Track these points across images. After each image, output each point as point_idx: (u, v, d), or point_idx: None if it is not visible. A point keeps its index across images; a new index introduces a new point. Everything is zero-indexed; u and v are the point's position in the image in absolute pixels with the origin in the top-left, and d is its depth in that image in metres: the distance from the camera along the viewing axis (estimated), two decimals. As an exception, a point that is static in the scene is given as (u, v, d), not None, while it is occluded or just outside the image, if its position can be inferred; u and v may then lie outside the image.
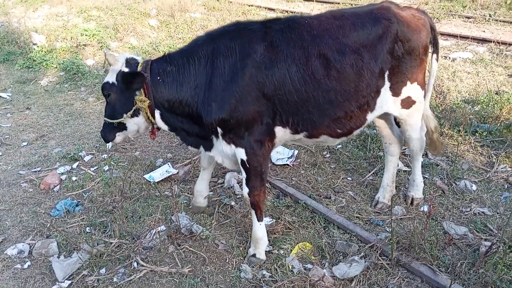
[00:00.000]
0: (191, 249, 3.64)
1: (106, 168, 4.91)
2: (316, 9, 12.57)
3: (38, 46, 9.75)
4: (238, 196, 4.38)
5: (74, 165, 5.07)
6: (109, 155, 5.23)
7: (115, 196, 4.34)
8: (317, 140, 3.52)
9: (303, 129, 3.34)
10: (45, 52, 9.44)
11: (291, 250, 3.59)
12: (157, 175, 4.66)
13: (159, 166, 4.89)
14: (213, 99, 3.16)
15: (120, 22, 11.64)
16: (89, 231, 3.88)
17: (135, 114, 3.39)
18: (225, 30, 3.33)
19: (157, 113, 3.39)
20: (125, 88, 3.27)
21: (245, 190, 3.38)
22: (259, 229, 3.48)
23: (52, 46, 9.71)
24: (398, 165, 4.36)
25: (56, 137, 5.91)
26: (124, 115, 3.36)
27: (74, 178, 4.77)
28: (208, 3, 14.88)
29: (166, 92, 3.31)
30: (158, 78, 3.32)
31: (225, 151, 3.35)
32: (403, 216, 3.91)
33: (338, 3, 12.97)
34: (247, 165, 3.28)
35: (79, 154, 5.29)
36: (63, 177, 4.79)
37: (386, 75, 3.34)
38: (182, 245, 3.68)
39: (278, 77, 3.11)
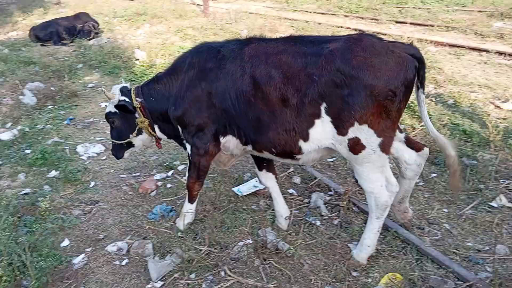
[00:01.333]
0: (276, 265, 3.67)
1: (198, 178, 5.14)
2: (408, 31, 12.23)
3: (140, 62, 10.58)
4: (324, 217, 4.34)
5: (169, 173, 5.38)
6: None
7: (205, 205, 4.52)
8: (265, 156, 3.73)
9: (247, 141, 3.61)
10: (146, 67, 10.21)
11: (380, 280, 3.46)
12: (245, 189, 4.78)
13: (247, 181, 5.02)
14: (175, 103, 3.73)
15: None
16: (181, 236, 4.08)
17: (139, 132, 4.10)
18: (195, 48, 3.85)
19: (156, 127, 4.06)
20: (124, 114, 3.95)
21: (187, 175, 4.07)
22: (187, 206, 4.10)
23: (152, 62, 10.48)
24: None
25: (153, 146, 6.30)
26: (130, 135, 4.09)
27: (169, 185, 5.06)
28: (296, 24, 15.16)
29: (159, 107, 3.90)
30: (151, 98, 3.93)
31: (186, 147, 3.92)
32: (507, 257, 3.60)
33: (433, 26, 12.51)
34: (190, 158, 3.88)
35: (174, 163, 5.60)
36: (159, 183, 5.10)
37: (323, 108, 3.15)
38: (268, 260, 3.73)
39: (221, 91, 3.47)
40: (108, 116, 4.08)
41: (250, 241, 3.93)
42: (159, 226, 4.26)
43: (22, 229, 4.09)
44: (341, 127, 3.15)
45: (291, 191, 4.84)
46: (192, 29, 14.56)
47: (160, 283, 3.54)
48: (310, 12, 17.23)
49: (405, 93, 3.09)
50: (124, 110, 3.92)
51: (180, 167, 5.52)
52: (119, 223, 4.39)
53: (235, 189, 4.81)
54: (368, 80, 2.98)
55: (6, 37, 15.01)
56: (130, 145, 4.24)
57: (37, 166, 5.54)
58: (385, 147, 3.19)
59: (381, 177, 3.34)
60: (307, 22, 15.20)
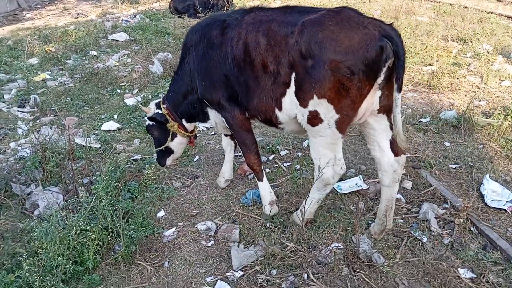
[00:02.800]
0: (366, 279, 3.28)
1: (298, 166, 4.89)
2: None
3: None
4: (433, 234, 3.76)
5: (270, 157, 5.22)
6: (304, 154, 5.21)
7: (300, 197, 4.27)
8: (255, 123, 4.01)
9: (244, 108, 3.73)
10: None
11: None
12: (345, 186, 4.40)
13: (350, 177, 4.61)
14: (197, 75, 3.92)
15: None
16: (269, 226, 3.90)
17: (174, 136, 4.40)
18: (204, 21, 4.00)
19: (184, 122, 4.36)
20: (160, 125, 4.32)
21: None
22: (261, 187, 4.12)
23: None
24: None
25: (261, 126, 6.21)
26: (167, 140, 4.38)
27: (267, 170, 4.91)
28: (438, 6, 13.63)
29: (180, 94, 4.20)
30: (171, 94, 4.29)
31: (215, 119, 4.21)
32: None
33: None
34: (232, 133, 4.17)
35: (277, 147, 5.43)
36: (259, 167, 4.97)
37: (292, 78, 3.21)
38: (358, 271, 3.35)
39: (223, 56, 3.61)
40: (148, 128, 4.49)
41: (341, 245, 3.58)
42: (249, 212, 4.13)
43: (125, 195, 4.32)
44: (302, 99, 3.20)
45: (398, 196, 4.31)
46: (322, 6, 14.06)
47: (240, 273, 3.42)
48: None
49: (366, 73, 2.96)
50: (155, 121, 4.32)
51: (282, 152, 5.32)
52: (213, 202, 4.38)
53: (335, 184, 4.44)
54: (327, 54, 2.96)
55: (149, 7, 16.29)
56: (170, 151, 4.50)
57: (151, 134, 5.84)
58: (341, 125, 3.18)
59: (330, 154, 3.35)
60: (451, 5, 13.59)
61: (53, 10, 17.52)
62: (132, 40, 11.34)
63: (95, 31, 11.93)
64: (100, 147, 5.45)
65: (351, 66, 2.93)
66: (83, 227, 3.35)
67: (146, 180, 4.60)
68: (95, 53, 10.04)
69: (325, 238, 3.70)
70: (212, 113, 4.15)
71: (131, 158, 5.18)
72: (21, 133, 6.01)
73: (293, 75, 3.18)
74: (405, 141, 3.27)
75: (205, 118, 4.29)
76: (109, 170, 4.12)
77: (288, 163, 5.06)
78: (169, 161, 4.57)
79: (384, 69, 2.99)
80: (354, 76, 2.95)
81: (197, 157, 5.34)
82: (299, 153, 5.24)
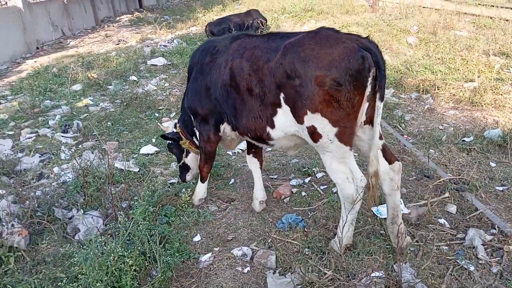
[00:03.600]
0: (410, 311, 3.12)
1: (335, 190, 4.78)
2: None
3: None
4: (480, 262, 3.55)
5: (306, 180, 5.15)
6: (341, 176, 5.10)
7: (338, 222, 4.15)
8: (248, 140, 4.15)
9: (233, 127, 4.05)
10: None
11: None
12: (385, 211, 4.23)
13: (390, 201, 4.45)
14: (187, 94, 4.42)
15: (377, 39, 11.48)
16: (307, 253, 3.81)
17: (188, 153, 4.79)
18: (202, 45, 4.36)
19: (195, 139, 4.73)
20: (177, 144, 4.82)
21: None
22: (199, 186, 4.73)
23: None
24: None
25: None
26: (183, 157, 4.79)
27: (303, 193, 4.83)
28: (477, 20, 13.25)
29: (187, 113, 4.59)
30: (182, 113, 4.82)
31: None
32: None
33: None
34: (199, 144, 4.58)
35: (313, 169, 5.35)
36: (294, 190, 4.90)
37: (281, 98, 3.38)
38: (400, 302, 3.19)
39: (213, 82, 3.95)
40: (168, 146, 5.03)
41: (382, 274, 3.43)
42: (286, 237, 4.06)
43: (162, 219, 4.36)
44: (297, 116, 3.34)
45: (442, 221, 4.12)
46: (357, 25, 13.99)
47: (276, 302, 3.34)
48: (497, 7, 14.87)
49: (353, 83, 3.09)
50: (168, 139, 4.82)
51: (319, 175, 5.24)
52: (249, 227, 4.34)
53: (374, 208, 4.31)
54: (312, 70, 3.12)
55: (186, 31, 16.78)
56: (187, 167, 4.88)
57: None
58: (343, 138, 3.26)
59: (344, 169, 3.39)
60: (491, 18, 13.19)
61: (95, 37, 18.39)
62: (170, 64, 11.68)
63: (134, 57, 12.39)
64: (138, 171, 5.57)
65: (337, 78, 3.08)
66: (121, 253, 3.38)
67: (183, 204, 4.63)
68: (134, 78, 10.39)
69: (365, 266, 3.56)
70: (196, 133, 4.61)
71: (168, 181, 5.24)
72: (64, 158, 6.24)
73: (282, 95, 3.36)
74: (374, 159, 3.32)
75: None
76: (146, 194, 4.18)
77: (325, 186, 4.96)
78: (188, 176, 4.94)
79: (370, 80, 3.15)
80: (341, 87, 3.09)
81: (232, 180, 5.34)
82: (336, 176, 5.13)
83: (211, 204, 4.82)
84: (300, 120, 3.33)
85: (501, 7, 14.59)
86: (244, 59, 3.62)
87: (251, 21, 14.67)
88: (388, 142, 5.92)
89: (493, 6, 14.95)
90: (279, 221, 4.33)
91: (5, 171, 5.75)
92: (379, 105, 3.17)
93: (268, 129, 3.64)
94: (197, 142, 4.70)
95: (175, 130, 4.83)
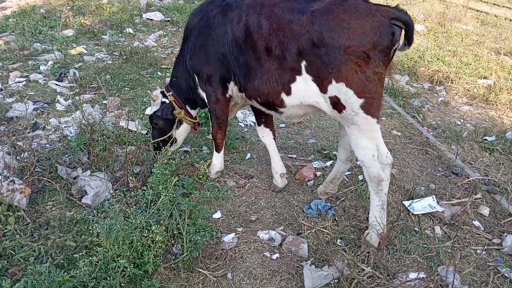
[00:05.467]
0: (456, 318, 2.93)
1: (361, 177, 4.53)
2: None
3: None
4: (521, 271, 3.40)
5: (328, 163, 4.86)
6: (365, 163, 4.84)
7: (368, 213, 3.91)
8: (254, 105, 3.91)
9: (241, 88, 3.78)
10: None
11: None
12: (418, 206, 4.03)
13: (420, 196, 4.25)
14: (190, 52, 4.03)
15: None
16: (340, 244, 3.56)
17: (179, 124, 4.37)
18: (203, 3, 4.02)
19: (189, 109, 4.39)
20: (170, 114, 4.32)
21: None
22: (216, 156, 4.35)
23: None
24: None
25: (312, 127, 5.86)
26: (173, 129, 4.30)
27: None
28: (481, 16, 13.13)
29: (182, 78, 4.27)
30: (174, 79, 4.33)
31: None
32: None
33: None
34: (208, 108, 4.21)
35: (333, 152, 5.06)
36: (318, 173, 4.61)
37: (303, 65, 3.27)
38: (445, 308, 3.01)
39: (221, 36, 3.69)
40: (152, 118, 4.40)
41: (423, 275, 3.23)
42: (315, 225, 3.78)
43: (180, 190, 3.98)
44: (321, 85, 3.24)
45: (476, 223, 3.95)
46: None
47: (312, 295, 3.09)
48: (503, 6, 14.77)
49: (381, 58, 3.07)
50: (160, 119, 4.34)
51: (341, 159, 4.95)
52: (272, 208, 4.04)
53: (406, 203, 4.08)
54: (342, 40, 3.04)
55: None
56: (173, 140, 4.38)
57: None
58: (369, 109, 3.17)
59: (371, 145, 3.28)
60: (496, 16, 13.09)
61: (84, -19, 17.10)
62: (168, 20, 10.97)
63: (129, 8, 11.55)
64: (146, 133, 5.11)
65: (367, 51, 3.03)
66: (148, 227, 3.01)
67: (200, 176, 4.26)
68: (131, 30, 9.67)
69: (405, 265, 3.35)
70: (203, 95, 4.18)
71: (181, 149, 4.83)
72: (61, 109, 5.68)
73: (304, 63, 3.25)
74: None
75: (204, 103, 4.28)
76: (167, 163, 3.78)
77: (349, 172, 4.69)
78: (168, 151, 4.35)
79: (392, 53, 3.16)
80: (370, 60, 3.05)
81: (248, 155, 4.99)
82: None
83: (229, 179, 4.47)
84: (323, 90, 3.24)
85: (504, 7, 14.48)
86: (262, 16, 3.40)
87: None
88: (409, 132, 5.70)
89: (497, 5, 14.82)
90: (305, 205, 4.05)
91: (-6, 116, 5.16)
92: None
93: (283, 95, 3.47)
94: (191, 112, 4.41)
95: (164, 100, 4.33)
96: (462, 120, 6.35)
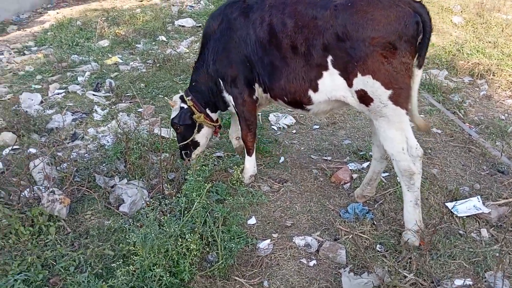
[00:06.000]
0: (508, 328, 2.75)
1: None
2: None
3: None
4: None
5: (365, 165, 4.72)
6: (404, 164, 4.67)
7: (408, 216, 3.75)
8: (280, 104, 3.95)
9: (266, 88, 3.80)
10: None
11: None
12: (463, 208, 3.84)
13: (464, 196, 4.04)
14: (213, 57, 4.02)
15: (420, 16, 10.76)
16: (379, 249, 3.43)
17: (200, 128, 4.37)
18: (225, 3, 3.99)
19: (209, 112, 4.39)
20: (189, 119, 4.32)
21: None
22: (248, 160, 4.32)
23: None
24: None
25: (347, 127, 5.73)
26: (194, 133, 4.33)
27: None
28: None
29: (202, 83, 4.27)
30: (194, 83, 4.34)
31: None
32: None
33: None
34: (236, 111, 4.18)
35: (370, 153, 4.90)
36: (354, 175, 4.49)
37: (329, 60, 3.27)
38: (495, 317, 2.83)
39: (244, 37, 3.69)
40: (173, 123, 4.40)
41: (470, 282, 3.06)
42: (353, 230, 3.67)
43: (214, 196, 3.97)
44: (347, 78, 3.23)
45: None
46: None
47: (352, 304, 2.99)
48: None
49: (407, 48, 3.05)
50: (181, 119, 4.33)
51: (378, 160, 4.80)
52: (308, 213, 3.96)
53: (449, 204, 3.90)
54: (367, 32, 3.04)
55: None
56: (196, 144, 4.44)
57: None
58: (398, 100, 3.14)
59: (400, 137, 3.23)
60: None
61: (118, -8, 17.59)
62: (199, 26, 11.07)
63: (161, 16, 11.76)
64: (180, 140, 5.15)
65: (393, 42, 3.01)
66: (183, 236, 3.01)
67: (234, 182, 4.24)
68: (163, 38, 9.83)
69: (450, 272, 3.18)
70: (230, 98, 4.14)
71: (214, 154, 4.83)
72: (98, 119, 5.82)
73: (330, 57, 3.25)
74: (419, 118, 3.39)
75: (225, 106, 4.31)
76: (201, 169, 3.78)
77: (387, 173, 4.54)
78: (194, 154, 4.47)
79: (418, 44, 3.09)
80: (397, 51, 3.03)
81: (282, 158, 4.92)
82: (398, 163, 4.70)
83: (263, 183, 4.42)
84: (349, 84, 3.23)
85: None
86: (286, 15, 3.43)
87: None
88: (450, 129, 5.46)
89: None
90: (342, 209, 3.94)
91: (36, 128, 5.35)
92: (417, 73, 3.14)
93: (310, 92, 3.49)
94: (211, 115, 4.40)
95: (184, 106, 4.33)
96: (506, 115, 6.02)
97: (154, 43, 9.56)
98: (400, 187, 4.09)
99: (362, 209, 3.85)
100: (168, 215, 3.46)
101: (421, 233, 3.38)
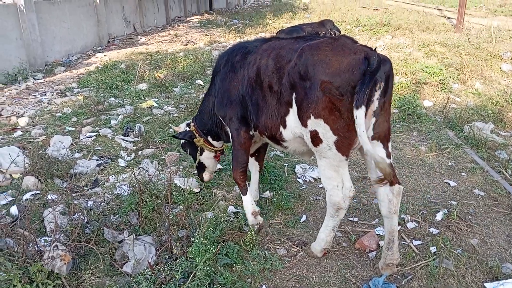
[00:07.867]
0: None
1: (434, 249, 3.90)
2: None
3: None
4: None
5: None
6: (440, 230, 4.19)
7: (440, 297, 3.28)
8: (265, 140, 4.13)
9: (255, 125, 3.96)
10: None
11: None
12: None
13: (507, 276, 3.51)
14: (216, 95, 4.26)
15: (466, 63, 10.29)
16: (402, 338, 2.98)
17: (202, 151, 4.62)
18: (232, 47, 4.31)
19: (210, 139, 4.68)
20: (190, 142, 4.70)
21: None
22: (244, 200, 4.29)
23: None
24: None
25: (361, 181, 5.30)
26: (198, 155, 4.43)
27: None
28: None
29: (205, 114, 4.58)
30: (199, 113, 4.69)
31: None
32: None
33: None
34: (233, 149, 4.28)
35: (401, 216, 4.47)
36: (382, 243, 4.06)
37: (293, 98, 3.38)
38: None
39: (241, 78, 3.93)
40: (182, 146, 4.98)
41: None
42: (375, 310, 3.24)
43: (222, 259, 3.67)
44: (302, 118, 3.34)
45: None
46: (440, 45, 12.74)
47: None
48: None
49: (353, 95, 3.03)
50: (181, 139, 4.80)
51: (410, 225, 4.36)
52: (326, 285, 3.56)
53: (489, 285, 3.38)
54: (319, 75, 3.13)
55: (255, 37, 16.26)
56: (203, 166, 4.78)
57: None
58: (340, 147, 3.25)
59: (336, 176, 3.41)
60: None
61: (165, 36, 18.38)
62: (237, 70, 11.15)
63: (202, 60, 12.00)
64: (199, 192, 4.96)
65: (339, 88, 3.06)
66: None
67: (247, 243, 3.94)
68: (200, 82, 9.95)
69: None
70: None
71: (230, 209, 4.58)
72: (123, 164, 5.78)
73: (294, 95, 3.37)
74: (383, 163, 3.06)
75: (228, 138, 4.44)
76: (208, 230, 3.53)
77: (419, 242, 4.08)
78: (205, 176, 4.87)
79: (377, 95, 3.07)
80: (343, 97, 3.06)
81: (304, 217, 4.58)
82: (433, 229, 4.23)
83: (279, 245, 4.09)
84: (304, 123, 3.34)
85: None
86: (270, 58, 3.65)
87: (324, 32, 13.84)
88: (494, 192, 4.92)
89: None
90: (364, 284, 3.51)
91: (59, 173, 5.36)
92: (356, 113, 2.96)
93: (281, 128, 3.65)
94: (211, 141, 4.69)
95: (187, 128, 4.79)
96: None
97: (190, 87, 9.67)
98: (434, 259, 3.68)
99: (386, 286, 3.41)
100: (168, 282, 3.20)
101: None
